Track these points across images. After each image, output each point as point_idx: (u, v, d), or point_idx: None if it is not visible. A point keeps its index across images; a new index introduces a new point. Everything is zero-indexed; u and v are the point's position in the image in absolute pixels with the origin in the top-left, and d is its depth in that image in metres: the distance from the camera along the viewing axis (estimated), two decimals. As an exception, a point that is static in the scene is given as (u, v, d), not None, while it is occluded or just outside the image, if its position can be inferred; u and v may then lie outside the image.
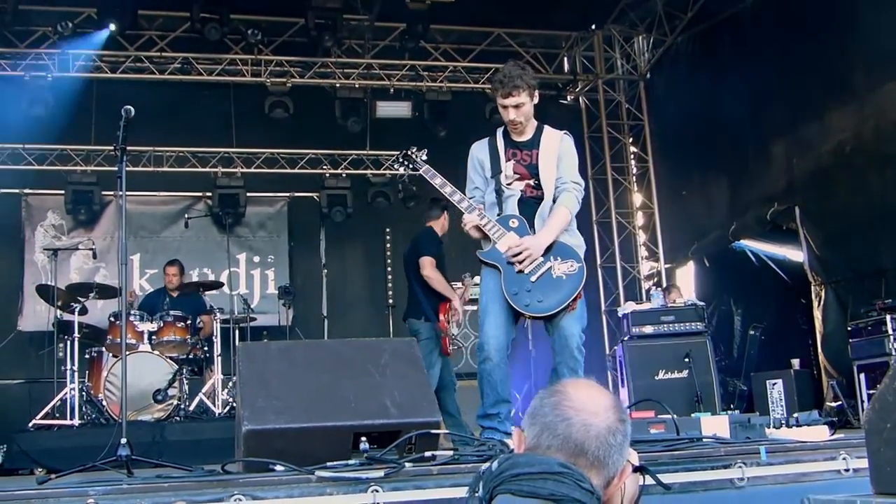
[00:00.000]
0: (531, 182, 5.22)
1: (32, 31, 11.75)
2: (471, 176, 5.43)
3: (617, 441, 2.02)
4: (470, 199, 5.29)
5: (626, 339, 9.34)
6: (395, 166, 5.72)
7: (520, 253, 5.01)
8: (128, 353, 7.60)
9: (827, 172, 9.65)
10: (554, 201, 5.21)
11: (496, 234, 5.10)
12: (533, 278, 5.00)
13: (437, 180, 5.32)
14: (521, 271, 5.02)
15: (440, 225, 7.90)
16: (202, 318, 9.49)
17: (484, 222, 5.11)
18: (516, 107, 5.14)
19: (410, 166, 5.57)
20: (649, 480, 2.25)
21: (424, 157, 5.55)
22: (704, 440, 4.52)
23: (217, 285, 10.51)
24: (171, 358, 8.72)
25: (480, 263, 5.25)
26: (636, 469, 2.16)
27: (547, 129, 5.36)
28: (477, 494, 2.03)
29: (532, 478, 1.92)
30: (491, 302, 5.13)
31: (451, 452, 4.02)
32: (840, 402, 8.59)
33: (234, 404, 7.57)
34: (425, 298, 7.66)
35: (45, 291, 9.54)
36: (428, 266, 7.54)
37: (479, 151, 5.41)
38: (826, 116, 9.67)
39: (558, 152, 5.28)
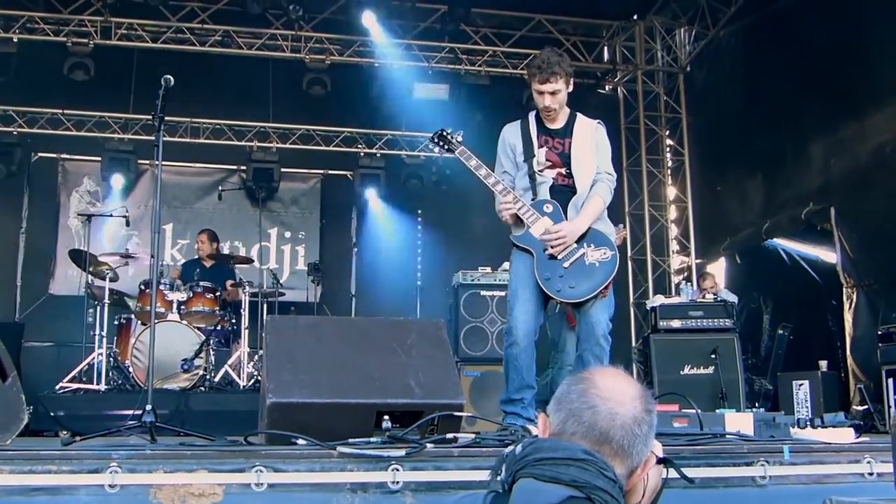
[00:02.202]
0: (562, 171, 5.17)
1: (76, -2, 11.83)
2: (500, 159, 5.37)
3: (642, 431, 2.01)
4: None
5: (653, 332, 9.29)
6: (430, 146, 5.70)
7: (555, 238, 4.99)
8: (156, 321, 7.65)
9: (865, 174, 9.52)
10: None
11: (531, 219, 5.06)
12: (566, 264, 4.97)
13: (473, 162, 5.27)
14: (553, 256, 5.00)
15: None
16: (227, 284, 9.55)
17: (519, 206, 5.07)
18: (552, 93, 5.09)
19: (445, 147, 5.53)
20: (672, 473, 2.23)
21: (460, 139, 5.48)
22: (728, 436, 4.48)
23: (248, 261, 10.57)
24: (198, 328, 8.77)
25: (512, 247, 5.23)
26: (660, 461, 2.15)
27: (580, 117, 5.31)
28: (499, 477, 2.03)
29: (555, 463, 1.92)
30: (521, 287, 5.09)
31: (472, 435, 4.01)
32: (866, 406, 8.50)
33: (259, 378, 7.61)
34: None
35: (77, 256, 9.63)
36: None
37: (510, 135, 5.35)
38: (867, 117, 9.52)
39: (595, 142, 5.25)
